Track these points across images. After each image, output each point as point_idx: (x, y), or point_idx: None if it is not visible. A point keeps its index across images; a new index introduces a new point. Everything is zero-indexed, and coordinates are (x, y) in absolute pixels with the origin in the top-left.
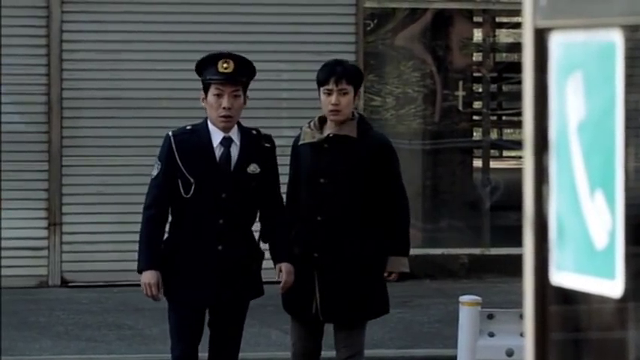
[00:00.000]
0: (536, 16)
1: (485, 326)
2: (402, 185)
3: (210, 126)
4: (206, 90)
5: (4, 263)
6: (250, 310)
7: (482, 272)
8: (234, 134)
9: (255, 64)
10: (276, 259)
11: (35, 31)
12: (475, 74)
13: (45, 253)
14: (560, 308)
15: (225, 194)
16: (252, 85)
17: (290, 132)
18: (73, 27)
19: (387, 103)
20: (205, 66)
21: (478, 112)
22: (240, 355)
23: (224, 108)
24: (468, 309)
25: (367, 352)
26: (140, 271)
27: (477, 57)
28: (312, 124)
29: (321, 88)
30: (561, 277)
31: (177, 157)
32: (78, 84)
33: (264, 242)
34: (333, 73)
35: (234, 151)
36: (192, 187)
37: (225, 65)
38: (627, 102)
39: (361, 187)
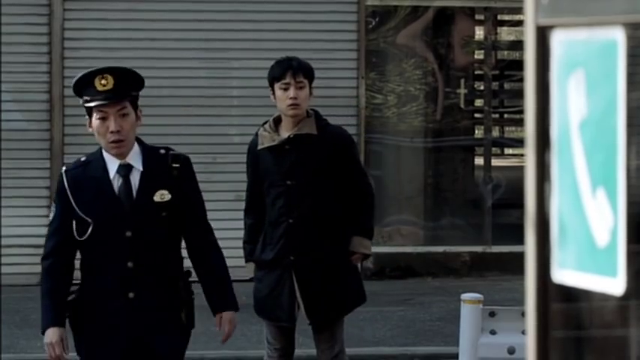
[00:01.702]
0: (538, 14)
1: (486, 324)
2: (364, 171)
3: (105, 154)
4: (89, 114)
5: (6, 261)
6: (252, 307)
7: (484, 270)
8: (134, 158)
9: (256, 62)
10: (215, 308)
11: (37, 29)
12: (477, 72)
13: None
14: (562, 306)
15: (130, 232)
16: (254, 82)
17: None
18: (75, 25)
19: (388, 101)
20: (81, 86)
21: (480, 110)
22: (242, 353)
23: (112, 132)
24: (469, 307)
25: (369, 350)
26: (42, 330)
27: (478, 55)
28: (267, 126)
29: (277, 84)
30: (563, 274)
31: (70, 195)
32: None
33: (200, 283)
34: (289, 67)
35: (135, 179)
36: (90, 228)
37: (103, 82)
38: (629, 100)
39: (328, 183)
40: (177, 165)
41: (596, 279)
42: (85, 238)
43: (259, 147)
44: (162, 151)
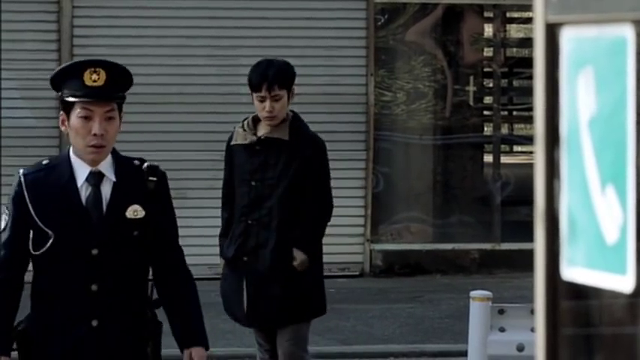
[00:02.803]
0: (547, 11)
1: (495, 321)
2: (329, 187)
3: (74, 158)
4: (67, 110)
5: None
6: None
7: (493, 267)
8: (107, 167)
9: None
10: (183, 342)
11: (46, 26)
12: (486, 69)
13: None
14: (571, 303)
15: (96, 250)
16: None
17: None
18: (84, 22)
19: (397, 99)
20: (65, 77)
21: (489, 107)
22: (252, 350)
23: (95, 135)
24: (478, 304)
25: (378, 347)
26: None
27: (487, 52)
28: (245, 123)
29: (254, 94)
30: (572, 272)
31: (28, 201)
32: None
33: (167, 313)
34: (264, 79)
35: (107, 190)
36: (50, 242)
37: (94, 77)
38: (638, 97)
39: (291, 190)
40: (153, 178)
41: (606, 276)
42: (41, 252)
43: (232, 142)
44: (137, 162)
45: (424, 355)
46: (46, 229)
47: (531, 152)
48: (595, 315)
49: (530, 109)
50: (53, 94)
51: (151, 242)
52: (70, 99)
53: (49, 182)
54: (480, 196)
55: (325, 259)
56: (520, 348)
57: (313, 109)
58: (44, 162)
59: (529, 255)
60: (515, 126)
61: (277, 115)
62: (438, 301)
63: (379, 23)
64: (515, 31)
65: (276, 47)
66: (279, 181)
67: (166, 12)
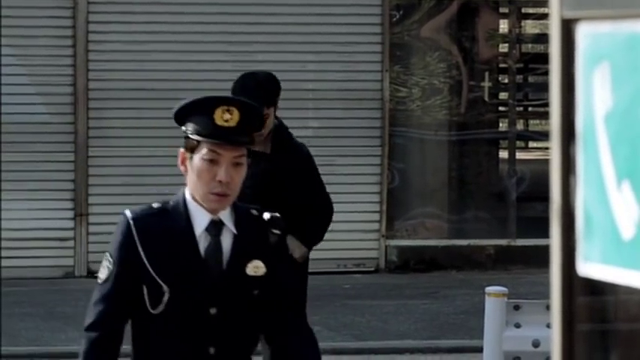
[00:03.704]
0: (563, 6)
1: (511, 317)
2: (324, 192)
3: (191, 203)
4: (190, 149)
5: (30, 254)
6: None
7: (509, 263)
8: (227, 216)
9: (280, 55)
10: None
11: (62, 22)
12: (501, 65)
13: (71, 243)
14: (587, 299)
15: (215, 309)
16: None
17: (315, 123)
18: (100, 18)
19: (412, 94)
20: (193, 112)
21: (504, 103)
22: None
23: (220, 182)
24: (494, 300)
25: (393, 343)
26: None
27: (503, 48)
28: None
29: None
30: (588, 268)
31: (140, 250)
32: (104, 75)
33: None
34: (239, 96)
35: (227, 242)
36: (165, 298)
37: (226, 116)
38: None
39: (273, 204)
40: (276, 231)
41: (622, 272)
42: (160, 310)
43: None
44: (255, 212)
45: (439, 350)
46: (161, 283)
47: (547, 148)
48: (611, 311)
49: (546, 105)
50: (69, 90)
51: (270, 302)
52: (197, 137)
53: (163, 229)
54: (496, 192)
55: (340, 254)
56: (536, 344)
57: (328, 105)
58: (155, 205)
59: (545, 251)
60: (531, 122)
61: (264, 132)
62: (453, 297)
63: (394, 19)
64: (530, 27)
65: (290, 43)
66: (256, 196)
67: (181, 8)
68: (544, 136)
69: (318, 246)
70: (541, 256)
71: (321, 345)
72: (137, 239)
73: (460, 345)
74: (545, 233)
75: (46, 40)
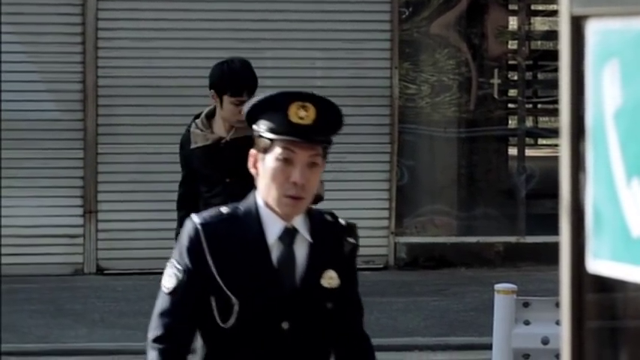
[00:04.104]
0: (573, 3)
1: (520, 314)
2: None
3: (263, 209)
4: (263, 149)
5: (40, 251)
6: None
7: (518, 260)
8: (301, 223)
9: (289, 52)
10: None
11: (71, 19)
12: (510, 62)
13: (80, 240)
14: (597, 296)
15: (287, 323)
16: (286, 72)
17: None
18: (109, 15)
19: (422, 91)
20: (265, 110)
21: (513, 100)
22: None
23: (294, 183)
24: (503, 297)
25: (403, 340)
26: None
27: (512, 45)
28: (200, 123)
29: (230, 98)
30: (598, 265)
31: (208, 258)
32: (113, 72)
33: None
34: (246, 84)
35: (301, 251)
36: (235, 311)
37: (301, 113)
38: None
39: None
40: (351, 240)
41: (631, 269)
42: (230, 324)
43: (193, 146)
44: (330, 218)
45: (449, 347)
46: (230, 295)
47: (556, 145)
48: (620, 308)
49: (555, 102)
50: (78, 87)
51: (340, 316)
52: (269, 136)
53: (233, 236)
54: (505, 189)
55: None
56: (545, 341)
57: (338, 102)
58: (224, 210)
59: (554, 248)
60: (540, 119)
61: None
62: (462, 294)
63: (404, 16)
64: (539, 24)
65: (299, 40)
66: (242, 175)
67: (190, 4)
68: (553, 133)
69: None
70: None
71: None
72: (205, 246)
73: (469, 342)
74: (554, 230)
75: (55, 37)
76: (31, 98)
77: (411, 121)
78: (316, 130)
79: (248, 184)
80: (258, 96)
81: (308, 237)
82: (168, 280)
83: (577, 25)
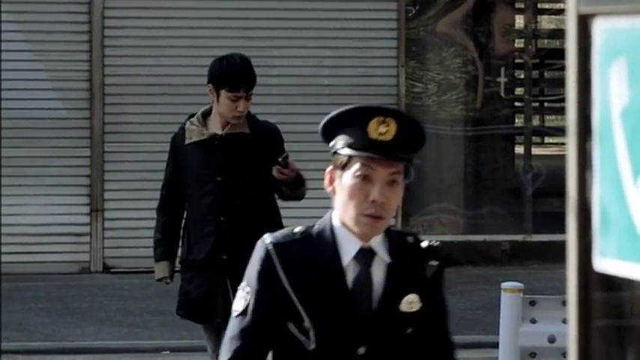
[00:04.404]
0: (579, 2)
1: (527, 313)
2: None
3: (339, 229)
4: (340, 166)
5: (47, 249)
6: None
7: (524, 259)
8: (379, 243)
9: (297, 50)
10: None
11: (77, 17)
12: (517, 60)
13: (87, 239)
14: (604, 295)
15: (364, 349)
16: (293, 71)
17: None
18: (115, 13)
19: (428, 90)
20: (343, 124)
21: (520, 99)
22: None
23: (373, 201)
24: (509, 295)
25: None
26: None
27: (518, 43)
28: (195, 120)
29: (227, 93)
30: (605, 263)
31: (284, 280)
32: (120, 70)
33: None
34: (244, 80)
35: (379, 273)
36: (310, 335)
37: (381, 128)
38: None
39: (260, 181)
40: (434, 263)
41: (638, 267)
42: (310, 349)
43: (187, 141)
44: (411, 239)
45: (455, 346)
46: (305, 317)
47: (562, 144)
48: (627, 306)
49: (562, 100)
50: (85, 85)
51: (423, 339)
52: (347, 152)
53: (306, 257)
54: (511, 188)
55: None
56: (551, 339)
57: (344, 100)
58: (297, 230)
59: (560, 246)
60: (547, 117)
61: (245, 114)
62: (469, 293)
63: (410, 14)
64: (546, 23)
65: (307, 39)
66: (247, 173)
67: (197, 3)
68: (560, 131)
69: None
70: (557, 252)
71: None
72: (279, 268)
73: (476, 340)
74: (561, 229)
75: (62, 36)
76: (37, 97)
77: (418, 119)
78: (397, 146)
79: (239, 183)
80: (335, 110)
81: (386, 258)
82: (238, 304)
83: (584, 24)
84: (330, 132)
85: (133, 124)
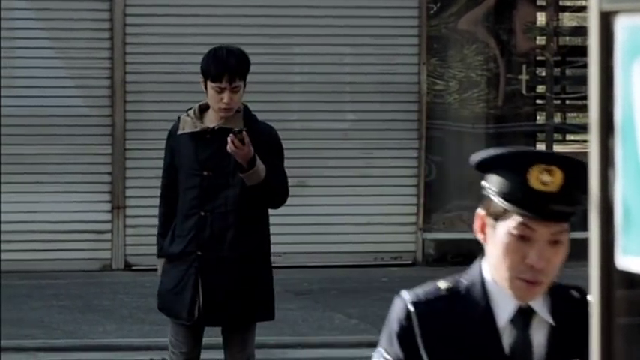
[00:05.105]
0: None
1: None
2: (285, 174)
3: (491, 284)
4: (495, 216)
5: (67, 246)
6: (313, 293)
7: None
8: (538, 300)
9: (318, 48)
10: None
11: (99, 14)
12: (538, 58)
13: (108, 236)
14: (626, 292)
15: None
16: (315, 68)
17: (352, 116)
18: (137, 11)
19: (450, 87)
20: (500, 167)
21: (541, 96)
22: (304, 339)
23: (531, 266)
24: None
25: None
26: None
27: (540, 40)
28: (191, 112)
29: (212, 83)
30: (627, 261)
31: (420, 344)
32: (141, 67)
33: None
34: (226, 69)
35: (540, 337)
36: None
37: (545, 178)
38: None
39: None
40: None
41: None
42: None
43: (180, 132)
44: (576, 294)
45: None
46: None
47: (584, 141)
48: None
49: (583, 97)
50: (106, 82)
51: None
52: (503, 204)
53: (454, 318)
54: None
55: (377, 247)
56: None
57: (365, 98)
58: (442, 286)
59: (582, 244)
60: (568, 115)
61: (233, 107)
62: None
63: (432, 12)
64: (568, 20)
65: (328, 36)
66: (235, 170)
67: (219, 1)
68: (581, 128)
69: (356, 239)
70: (579, 249)
71: (358, 338)
72: (418, 332)
73: None
74: (582, 226)
75: (83, 33)
76: (59, 94)
77: (439, 116)
78: (562, 199)
79: (226, 180)
80: (493, 149)
81: (549, 319)
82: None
83: (606, 21)
84: (484, 168)
85: (154, 122)
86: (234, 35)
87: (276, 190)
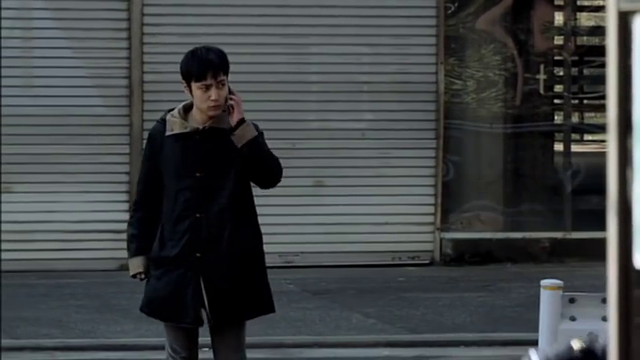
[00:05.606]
0: None
1: (566, 310)
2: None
3: None
4: None
5: (86, 246)
6: (331, 293)
7: (564, 256)
8: None
9: (335, 47)
10: None
11: (116, 14)
12: (556, 57)
13: (126, 236)
14: None
15: None
16: (332, 68)
17: (370, 115)
18: (154, 10)
19: (467, 87)
20: None
21: (559, 96)
22: (321, 339)
23: None
24: (549, 293)
25: (449, 336)
26: None
27: (558, 40)
28: (176, 112)
29: (197, 83)
30: None
31: None
32: (159, 67)
33: None
34: (209, 66)
35: None
36: None
37: None
38: None
39: (240, 179)
40: None
41: None
42: None
43: (168, 133)
44: None
45: (495, 343)
46: None
47: (602, 141)
48: None
49: (601, 97)
50: (124, 82)
51: None
52: None
53: None
54: (551, 185)
55: (395, 247)
56: None
57: (383, 97)
58: (576, 346)
59: (600, 244)
60: (586, 114)
61: (222, 103)
62: (508, 290)
63: (449, 11)
64: (585, 19)
65: (345, 36)
66: (229, 170)
67: (237, 0)
68: (599, 128)
69: (374, 239)
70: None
71: (376, 338)
72: None
73: (515, 338)
74: (600, 226)
75: (101, 33)
76: (77, 94)
77: (457, 116)
78: None
79: (218, 180)
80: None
81: None
82: None
83: (624, 20)
84: None
85: None
86: (251, 35)
87: (269, 157)
